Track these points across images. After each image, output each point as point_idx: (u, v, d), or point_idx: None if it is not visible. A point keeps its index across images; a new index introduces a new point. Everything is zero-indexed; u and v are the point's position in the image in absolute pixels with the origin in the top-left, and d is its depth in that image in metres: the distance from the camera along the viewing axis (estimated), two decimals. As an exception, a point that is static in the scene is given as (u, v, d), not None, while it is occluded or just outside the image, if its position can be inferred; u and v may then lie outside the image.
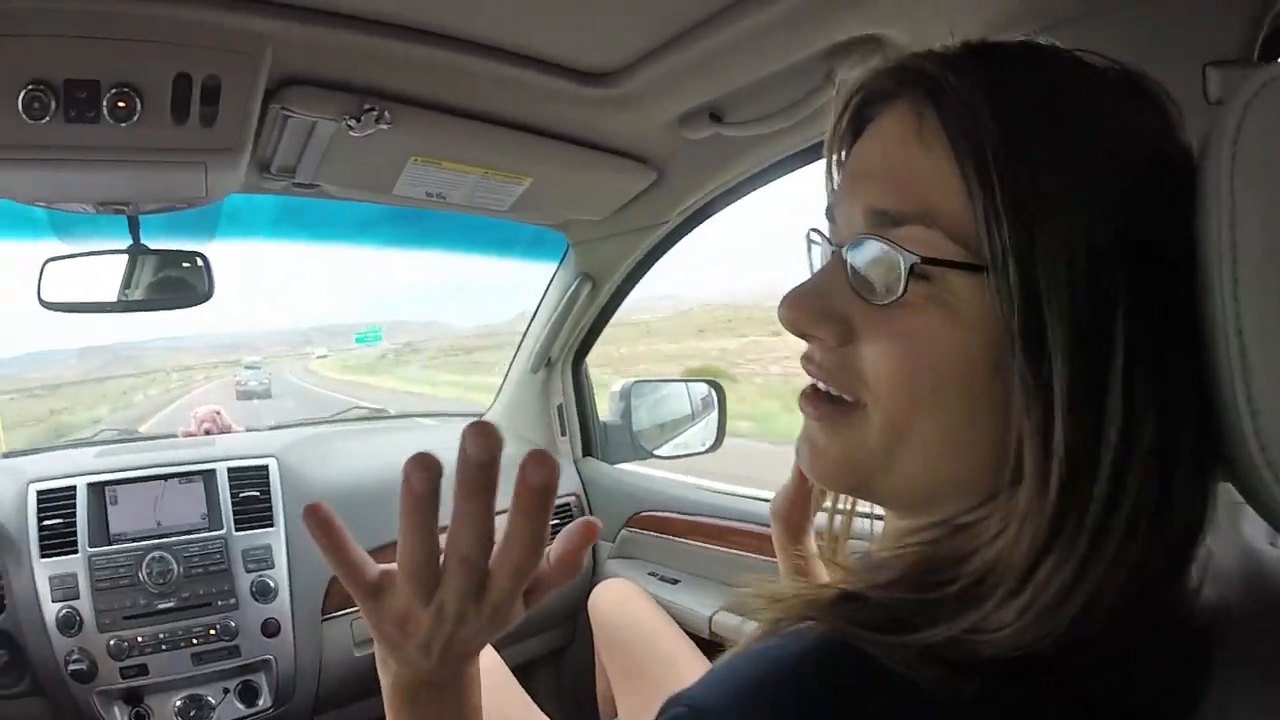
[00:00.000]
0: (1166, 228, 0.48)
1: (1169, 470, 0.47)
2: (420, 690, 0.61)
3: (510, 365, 2.56)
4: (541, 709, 1.58)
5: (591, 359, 2.52)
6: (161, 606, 1.79)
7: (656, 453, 2.36)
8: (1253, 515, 0.51)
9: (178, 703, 1.79)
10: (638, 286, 2.21)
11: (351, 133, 1.30)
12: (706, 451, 2.28)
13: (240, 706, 1.83)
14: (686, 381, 2.55)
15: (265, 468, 2.02)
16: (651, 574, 2.04)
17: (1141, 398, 0.46)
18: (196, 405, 2.58)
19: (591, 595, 1.87)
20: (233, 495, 1.94)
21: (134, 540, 1.84)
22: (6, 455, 2.35)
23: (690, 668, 1.57)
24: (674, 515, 2.06)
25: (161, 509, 1.90)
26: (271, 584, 1.87)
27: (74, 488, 1.87)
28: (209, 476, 1.96)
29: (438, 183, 1.54)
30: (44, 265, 1.69)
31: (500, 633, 0.55)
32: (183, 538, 1.87)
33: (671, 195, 1.68)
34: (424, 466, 0.51)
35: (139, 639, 1.76)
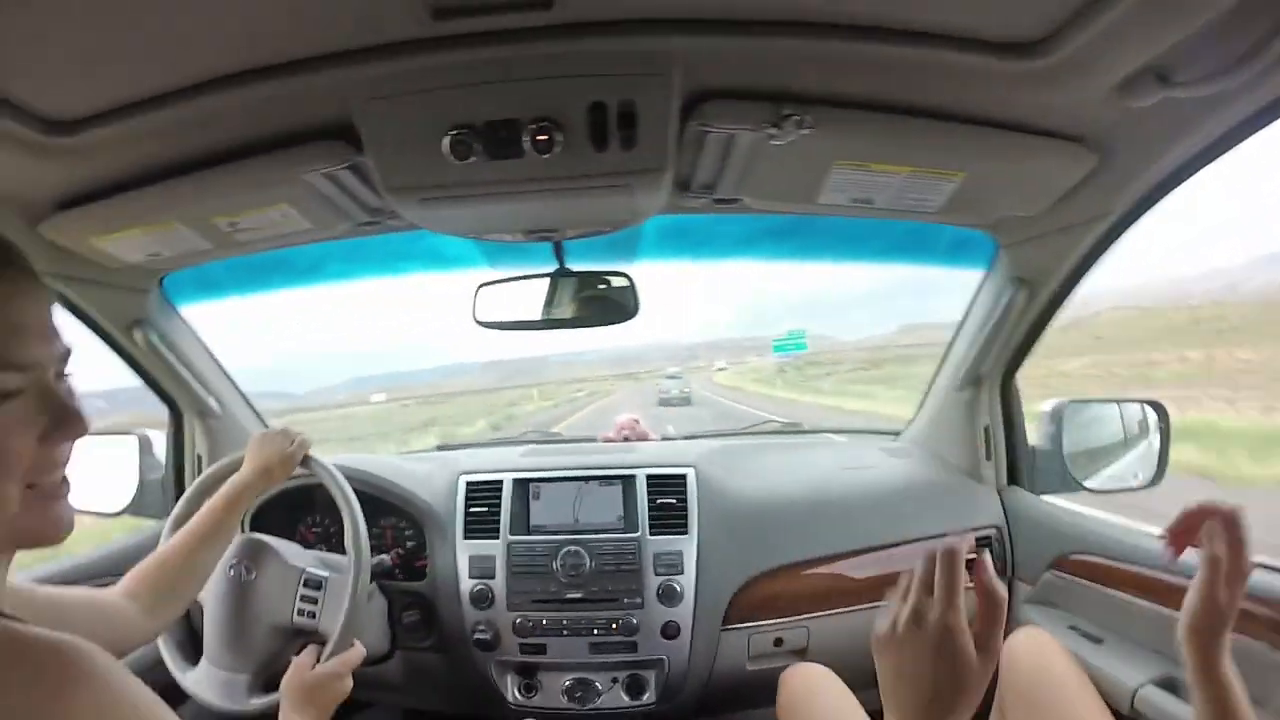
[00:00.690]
0: None
1: None
2: None
3: (932, 381, 2.39)
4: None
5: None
6: (569, 596, 1.94)
7: (1086, 484, 2.05)
8: None
9: (567, 682, 1.96)
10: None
11: (773, 141, 1.27)
12: (1142, 487, 1.97)
13: (625, 697, 1.95)
14: (1121, 402, 2.22)
15: (683, 477, 2.09)
16: (1073, 628, 1.79)
17: None
18: (614, 411, 2.77)
19: (1007, 642, 1.61)
20: (650, 501, 2.04)
21: (551, 533, 2.02)
22: (439, 448, 2.69)
23: None
24: (1109, 562, 1.76)
25: (580, 507, 2.06)
26: (678, 589, 1.93)
27: (501, 482, 2.09)
28: (628, 481, 2.08)
29: (863, 187, 1.45)
30: (478, 290, 1.89)
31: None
32: (598, 536, 2.00)
33: (1115, 180, 1.44)
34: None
35: (543, 621, 1.94)
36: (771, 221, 1.92)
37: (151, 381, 2.16)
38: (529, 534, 2.02)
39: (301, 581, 1.68)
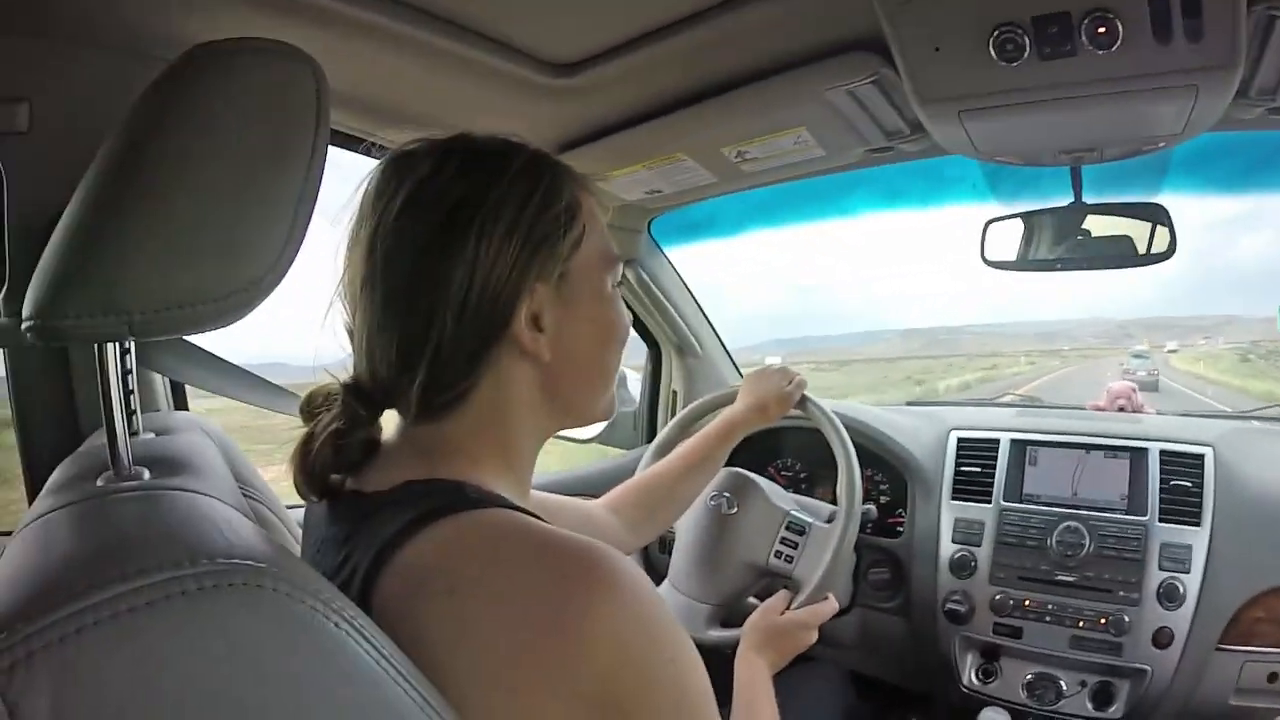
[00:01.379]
0: None
1: None
2: None
3: None
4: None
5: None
6: (1060, 578, 1.74)
7: None
8: None
9: (1029, 675, 1.75)
10: None
11: None
12: None
13: (1089, 705, 1.70)
14: None
15: (1201, 457, 1.79)
16: None
17: None
18: (1061, 390, 2.52)
19: None
20: (1162, 482, 1.77)
21: (1047, 504, 1.83)
22: (911, 403, 2.58)
23: None
24: None
25: (1080, 479, 1.85)
26: (1181, 589, 1.65)
27: (997, 441, 1.94)
28: (1138, 456, 1.83)
29: None
30: (986, 225, 1.76)
31: None
32: (1099, 514, 1.77)
33: None
34: None
35: (1026, 602, 1.75)
36: None
37: (635, 320, 2.29)
38: (1023, 502, 1.85)
39: (784, 524, 1.65)
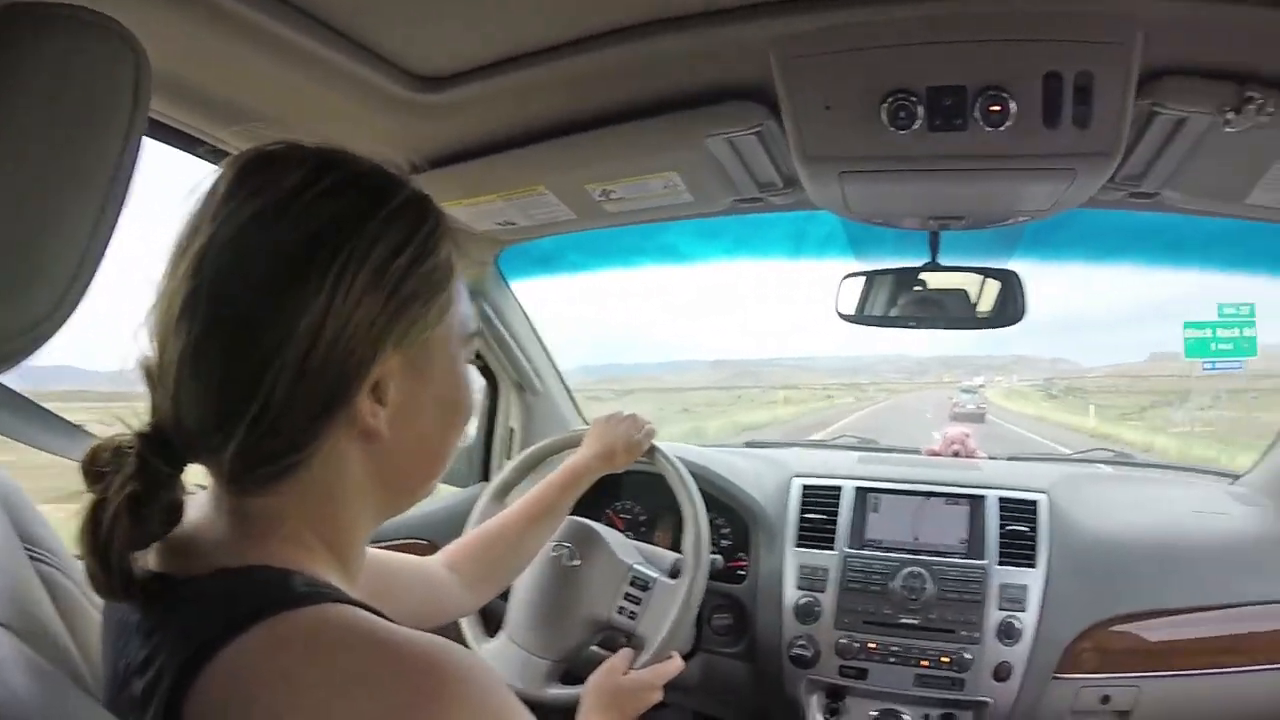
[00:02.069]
0: None
1: None
2: None
3: None
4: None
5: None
6: (904, 620, 1.80)
7: None
8: None
9: (873, 713, 1.81)
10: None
11: (1227, 128, 1.12)
12: None
13: None
14: None
15: (1035, 503, 1.91)
16: None
17: None
18: (896, 420, 2.65)
19: None
20: (1001, 527, 1.88)
21: (890, 549, 1.89)
22: (749, 445, 2.62)
23: None
24: None
25: (921, 525, 1.92)
26: (1019, 626, 1.76)
27: (839, 488, 1.98)
28: (976, 502, 1.92)
29: None
30: (843, 280, 1.79)
31: None
32: (940, 559, 1.85)
33: None
34: None
35: (870, 644, 1.80)
36: (1143, 220, 1.79)
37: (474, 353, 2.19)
38: (865, 548, 1.90)
39: (628, 579, 1.64)
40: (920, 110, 1.11)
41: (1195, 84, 1.12)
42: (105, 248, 0.56)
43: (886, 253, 1.80)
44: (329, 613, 0.58)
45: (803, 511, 1.96)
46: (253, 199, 0.62)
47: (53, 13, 0.52)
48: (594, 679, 1.41)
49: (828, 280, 1.83)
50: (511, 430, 2.32)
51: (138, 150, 0.57)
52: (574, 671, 1.52)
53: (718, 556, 1.89)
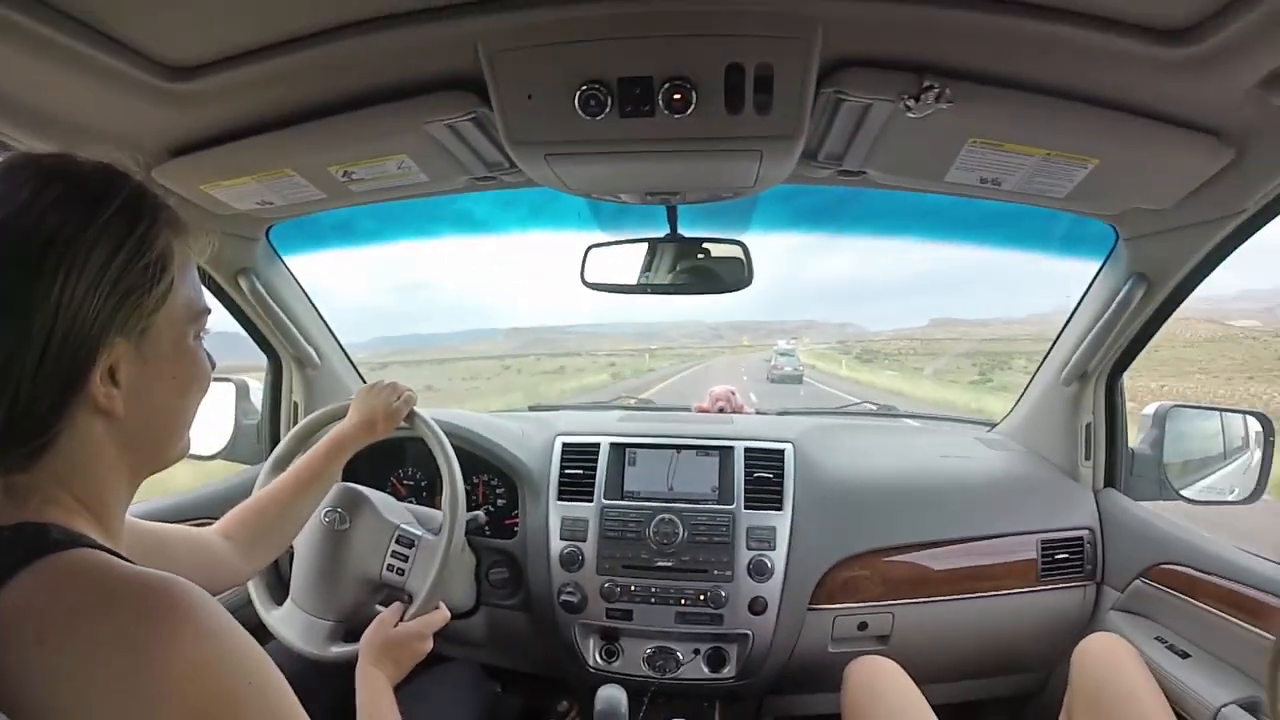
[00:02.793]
0: None
1: None
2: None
3: (1035, 374, 2.34)
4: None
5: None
6: (660, 564, 1.95)
7: (1183, 493, 2.02)
8: None
9: (648, 650, 1.96)
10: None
11: (909, 114, 1.22)
12: (1241, 501, 1.92)
13: (705, 669, 1.95)
14: (1225, 411, 2.12)
15: (781, 452, 2.08)
16: (1159, 639, 1.76)
17: None
18: (710, 383, 2.78)
19: (1081, 644, 1.64)
20: (747, 474, 2.04)
21: (645, 500, 2.02)
22: (532, 409, 2.70)
23: None
24: (1205, 576, 1.71)
25: (675, 476, 2.06)
26: (769, 564, 1.93)
27: (598, 445, 2.10)
28: (726, 453, 2.08)
29: (994, 167, 1.41)
30: (588, 250, 1.91)
31: None
32: (692, 505, 2.00)
33: (1250, 177, 1.37)
34: None
35: (631, 588, 1.95)
36: (889, 199, 1.90)
37: (252, 329, 2.23)
38: (623, 499, 2.04)
39: (394, 538, 1.70)
40: (610, 99, 1.20)
41: (875, 74, 1.20)
42: None
43: (632, 225, 1.90)
44: (80, 555, 0.69)
45: (564, 467, 2.08)
46: None
47: None
48: (367, 634, 1.47)
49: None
50: (296, 404, 2.34)
51: None
52: (356, 630, 1.57)
53: (478, 513, 2.00)
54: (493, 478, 2.16)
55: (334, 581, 1.69)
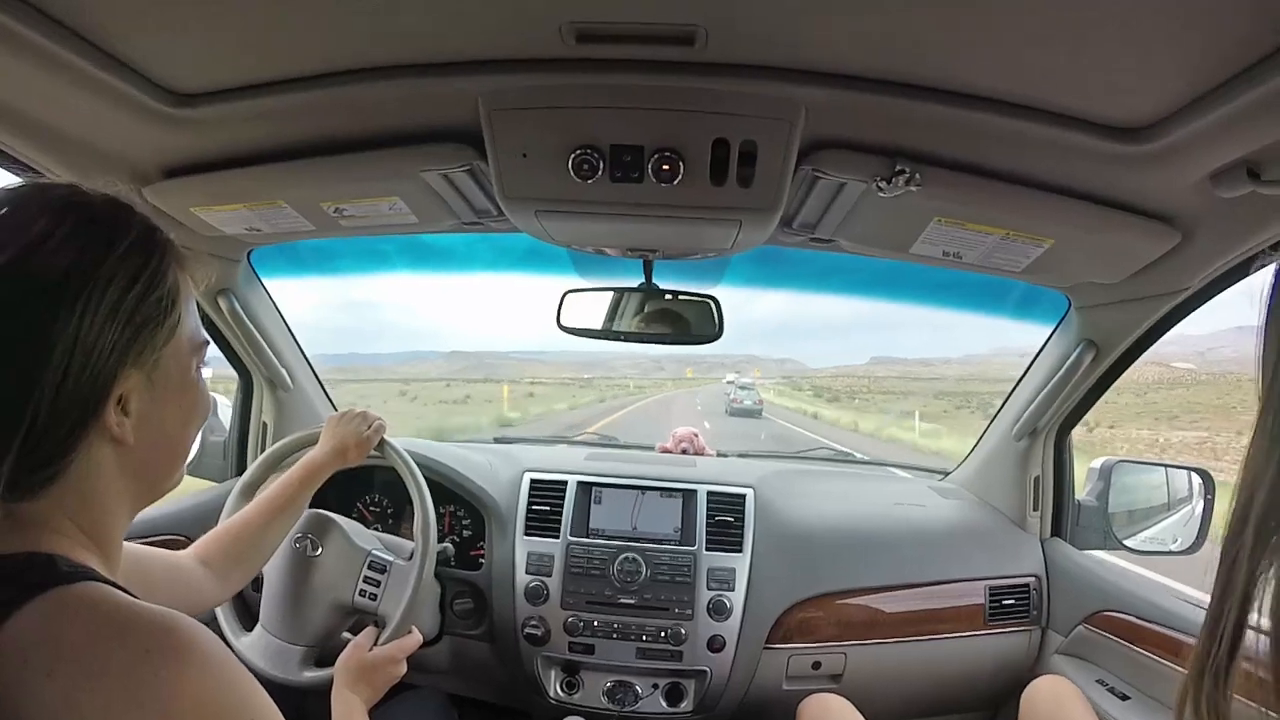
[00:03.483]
0: None
1: None
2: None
3: (987, 427, 2.45)
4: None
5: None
6: (622, 601, 2.01)
7: (1126, 543, 2.13)
8: None
9: (608, 684, 2.03)
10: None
11: (880, 194, 1.32)
12: (1182, 552, 2.01)
13: (663, 704, 2.02)
14: (1168, 467, 2.24)
15: (743, 497, 2.16)
16: (1100, 681, 1.84)
17: None
18: (660, 413, 2.84)
19: (1030, 685, 1.72)
20: (709, 517, 2.11)
21: (610, 538, 2.09)
22: (498, 440, 2.77)
23: None
24: (1143, 622, 1.80)
25: (640, 516, 2.13)
26: (728, 604, 2.00)
27: (565, 482, 2.17)
28: (689, 495, 2.16)
29: (957, 243, 1.52)
30: (564, 295, 1.98)
31: None
32: (655, 545, 2.07)
33: (1195, 259, 1.50)
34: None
35: (594, 623, 2.01)
36: (848, 260, 1.96)
37: (226, 348, 2.25)
38: (588, 536, 2.10)
39: (366, 564, 1.74)
40: (602, 164, 1.27)
41: (851, 156, 1.30)
42: None
43: (608, 273, 1.98)
44: (88, 589, 0.71)
45: (531, 504, 2.14)
46: (4, 249, 0.72)
47: None
48: (342, 658, 1.51)
49: (556, 288, 2.01)
50: (265, 425, 2.36)
51: None
52: (329, 655, 1.61)
53: (446, 545, 2.07)
54: (459, 509, 2.21)
55: (305, 607, 1.72)
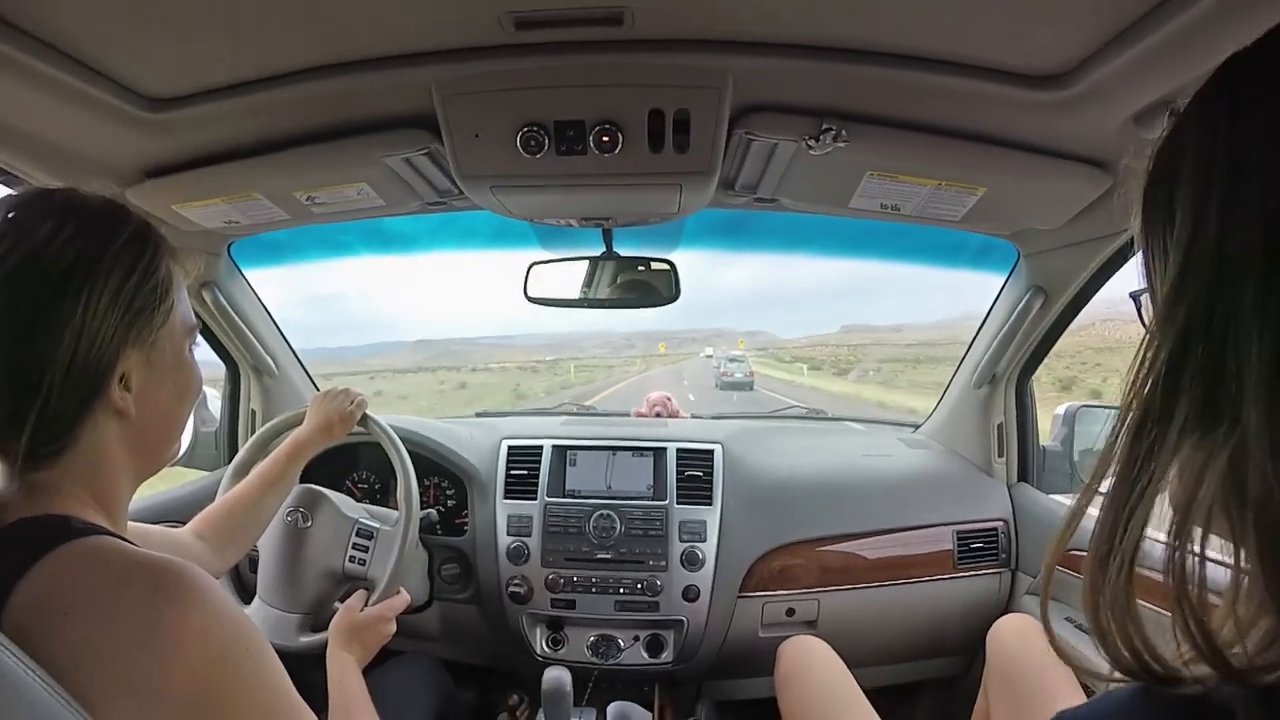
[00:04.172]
0: None
1: None
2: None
3: (952, 378, 2.56)
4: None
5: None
6: (599, 556, 2.13)
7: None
8: None
9: (591, 638, 2.14)
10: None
11: (811, 151, 1.41)
12: None
13: (645, 655, 2.14)
14: None
15: (711, 452, 2.27)
16: (1068, 619, 1.88)
17: None
18: (647, 389, 2.96)
19: (995, 624, 1.79)
20: (679, 473, 2.23)
21: (585, 498, 2.21)
22: (480, 414, 2.89)
23: None
24: None
25: (613, 475, 2.25)
26: (700, 555, 2.11)
27: (541, 447, 2.28)
28: (659, 453, 2.27)
29: (893, 195, 1.59)
30: (530, 268, 2.09)
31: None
32: (628, 502, 2.19)
33: (1129, 201, 1.55)
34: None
35: (574, 578, 2.13)
36: (809, 220, 2.08)
37: (212, 339, 2.36)
38: (565, 497, 2.22)
39: (354, 531, 1.85)
40: (547, 140, 1.38)
41: (779, 118, 1.38)
42: None
43: (572, 244, 2.09)
44: (100, 541, 0.80)
45: (509, 468, 2.26)
46: (14, 250, 0.83)
47: None
48: (335, 620, 1.59)
49: (519, 265, 2.13)
50: (254, 412, 2.48)
51: None
52: (323, 622, 1.68)
53: (431, 511, 2.18)
54: (443, 479, 2.33)
55: (299, 576, 1.83)
